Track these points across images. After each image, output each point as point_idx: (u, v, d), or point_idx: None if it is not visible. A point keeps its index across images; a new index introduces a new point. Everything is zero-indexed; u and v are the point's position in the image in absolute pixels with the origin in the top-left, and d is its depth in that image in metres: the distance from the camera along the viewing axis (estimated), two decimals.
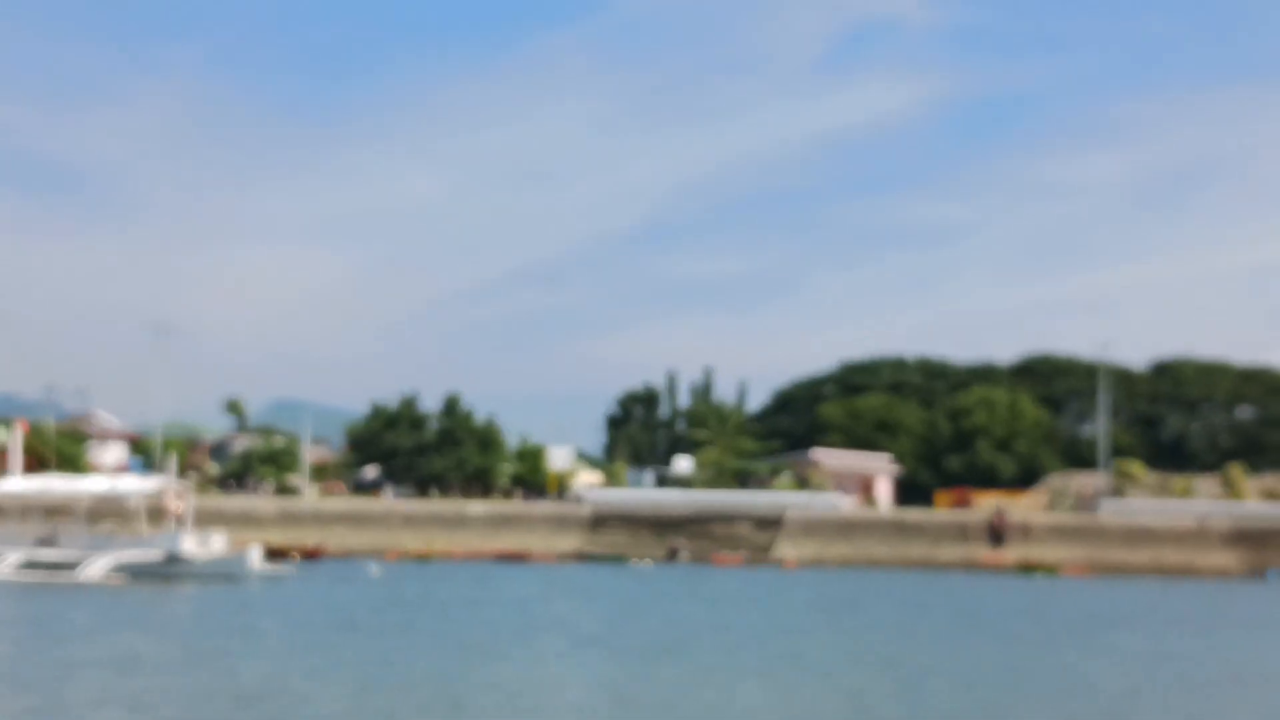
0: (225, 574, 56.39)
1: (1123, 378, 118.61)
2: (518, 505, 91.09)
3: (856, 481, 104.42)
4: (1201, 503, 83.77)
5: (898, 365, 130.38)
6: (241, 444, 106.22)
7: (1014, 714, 22.90)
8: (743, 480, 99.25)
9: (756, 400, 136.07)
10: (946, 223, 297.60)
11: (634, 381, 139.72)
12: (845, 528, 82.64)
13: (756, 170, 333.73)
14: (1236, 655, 34.43)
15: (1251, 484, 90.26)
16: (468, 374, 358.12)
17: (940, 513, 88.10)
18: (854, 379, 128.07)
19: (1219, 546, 77.86)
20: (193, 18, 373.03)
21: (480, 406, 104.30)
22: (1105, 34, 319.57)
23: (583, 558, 78.94)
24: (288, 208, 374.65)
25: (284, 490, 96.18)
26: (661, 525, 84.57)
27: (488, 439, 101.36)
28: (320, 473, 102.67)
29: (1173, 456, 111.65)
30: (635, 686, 25.77)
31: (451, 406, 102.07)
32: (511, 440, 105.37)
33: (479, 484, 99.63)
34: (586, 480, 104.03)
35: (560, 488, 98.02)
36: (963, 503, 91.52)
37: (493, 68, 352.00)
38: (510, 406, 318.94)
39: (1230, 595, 60.77)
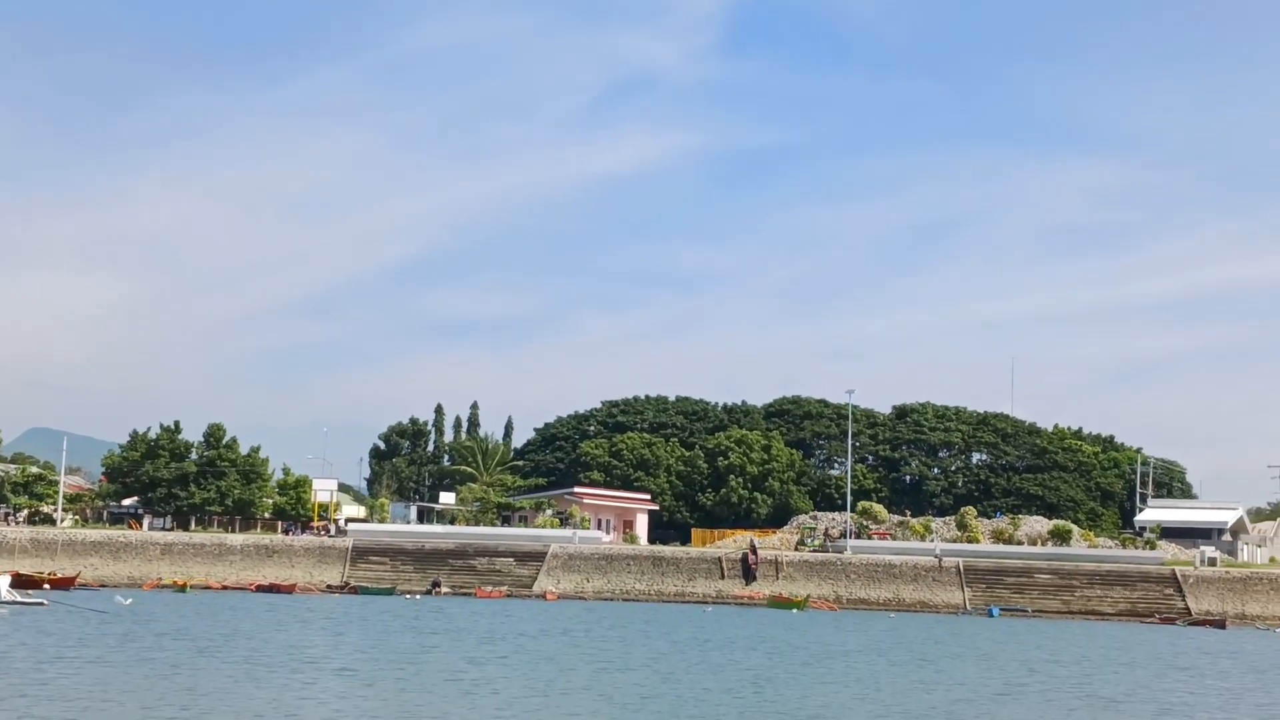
0: None
1: (867, 422, 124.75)
2: (279, 537, 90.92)
3: (616, 517, 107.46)
4: (937, 543, 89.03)
5: (659, 405, 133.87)
6: None
7: None
8: (506, 515, 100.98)
9: (521, 436, 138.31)
10: (706, 269, 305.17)
11: (401, 416, 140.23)
12: (604, 563, 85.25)
13: (524, 212, 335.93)
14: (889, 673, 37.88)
15: (983, 525, 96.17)
16: (232, 405, 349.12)
17: (695, 549, 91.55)
18: (616, 418, 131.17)
19: (952, 584, 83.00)
20: None
21: (244, 438, 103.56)
22: (855, 94, 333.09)
23: (352, 590, 79.49)
24: (49, 234, 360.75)
25: (38, 519, 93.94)
26: (424, 559, 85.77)
27: (251, 470, 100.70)
28: (76, 502, 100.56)
29: (912, 497, 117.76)
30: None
31: (214, 437, 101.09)
32: (275, 473, 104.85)
33: (240, 515, 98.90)
34: (350, 513, 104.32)
35: (323, 520, 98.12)
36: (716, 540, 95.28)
37: (266, 100, 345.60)
38: (274, 439, 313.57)
39: (948, 627, 65.30)
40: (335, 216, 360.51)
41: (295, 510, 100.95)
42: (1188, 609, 78.97)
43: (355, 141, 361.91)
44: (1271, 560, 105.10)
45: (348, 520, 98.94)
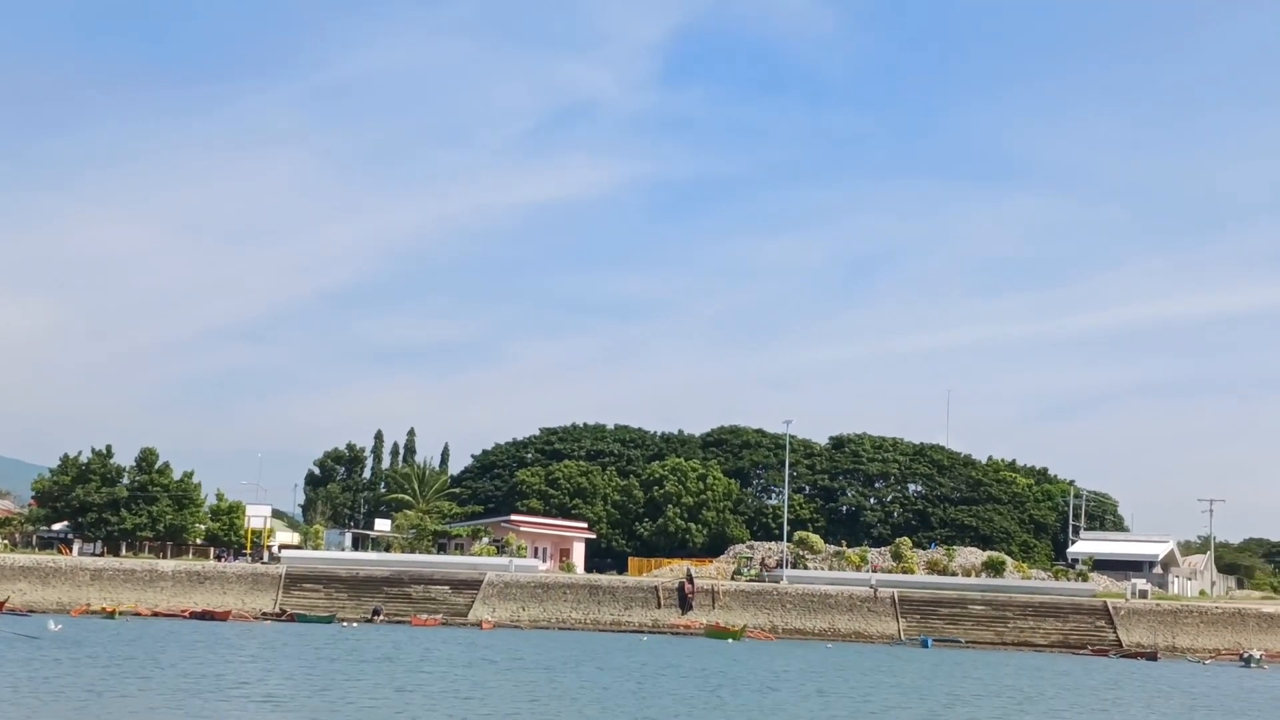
0: None
1: (805, 452, 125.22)
2: (211, 563, 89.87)
3: (553, 546, 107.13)
4: (872, 574, 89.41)
5: (597, 433, 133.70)
6: None
7: None
8: (442, 543, 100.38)
9: (459, 463, 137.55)
10: (644, 298, 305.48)
11: (337, 443, 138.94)
12: (540, 591, 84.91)
13: (462, 239, 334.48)
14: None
15: (918, 556, 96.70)
16: (165, 430, 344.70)
17: (632, 577, 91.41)
18: (554, 445, 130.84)
19: (887, 615, 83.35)
20: None
21: (177, 463, 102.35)
22: (794, 126, 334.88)
23: (290, 618, 78.62)
24: None
25: None
26: (359, 586, 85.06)
27: (183, 496, 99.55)
28: (5, 526, 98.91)
29: (849, 527, 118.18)
30: None
31: (147, 462, 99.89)
32: (208, 498, 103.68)
33: (172, 541, 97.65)
34: (284, 539, 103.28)
35: (256, 546, 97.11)
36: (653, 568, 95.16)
37: (201, 123, 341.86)
38: (208, 464, 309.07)
39: (885, 658, 65.62)
40: (271, 241, 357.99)
41: (228, 536, 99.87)
42: (1119, 641, 79.73)
43: (292, 166, 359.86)
44: (1201, 593, 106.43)
45: (281, 547, 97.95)
